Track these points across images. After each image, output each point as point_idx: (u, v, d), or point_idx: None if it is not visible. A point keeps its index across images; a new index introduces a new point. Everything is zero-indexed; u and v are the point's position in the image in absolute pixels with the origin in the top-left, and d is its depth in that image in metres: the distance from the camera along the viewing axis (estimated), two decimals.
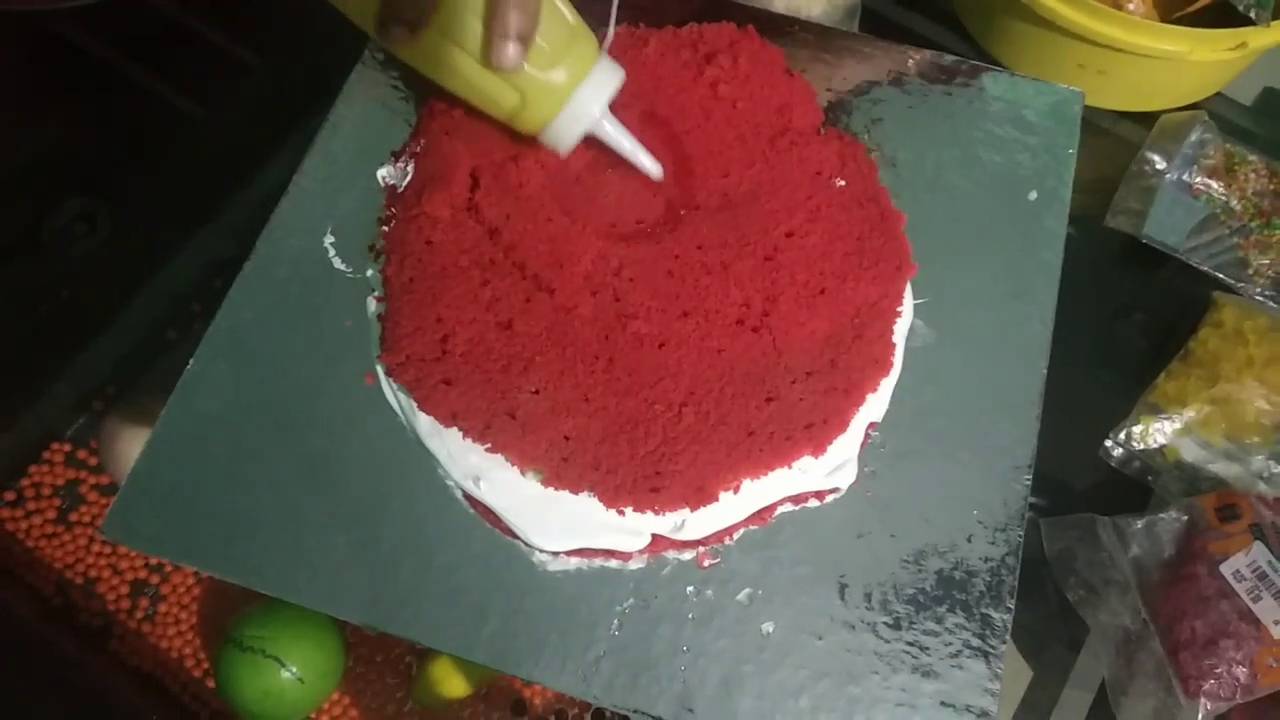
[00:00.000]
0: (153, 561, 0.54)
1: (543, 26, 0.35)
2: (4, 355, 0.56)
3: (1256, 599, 0.44)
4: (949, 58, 0.49)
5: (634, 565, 0.37)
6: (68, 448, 0.55)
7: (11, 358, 0.56)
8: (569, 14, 0.37)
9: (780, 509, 0.38)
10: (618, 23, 0.47)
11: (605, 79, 0.38)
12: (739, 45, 0.45)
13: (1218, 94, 0.65)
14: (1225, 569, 0.45)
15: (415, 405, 0.38)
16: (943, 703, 0.35)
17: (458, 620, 0.36)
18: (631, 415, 0.37)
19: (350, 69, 0.47)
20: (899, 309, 0.40)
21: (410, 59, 0.39)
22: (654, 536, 0.37)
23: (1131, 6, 0.60)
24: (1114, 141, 0.63)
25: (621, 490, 0.36)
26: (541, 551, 0.37)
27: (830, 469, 0.38)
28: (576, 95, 0.37)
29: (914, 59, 0.48)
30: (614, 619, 0.36)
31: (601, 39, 0.40)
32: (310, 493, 0.38)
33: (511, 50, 0.34)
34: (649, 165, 0.40)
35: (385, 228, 0.42)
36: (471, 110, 0.41)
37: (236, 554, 0.37)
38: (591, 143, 0.40)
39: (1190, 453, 0.51)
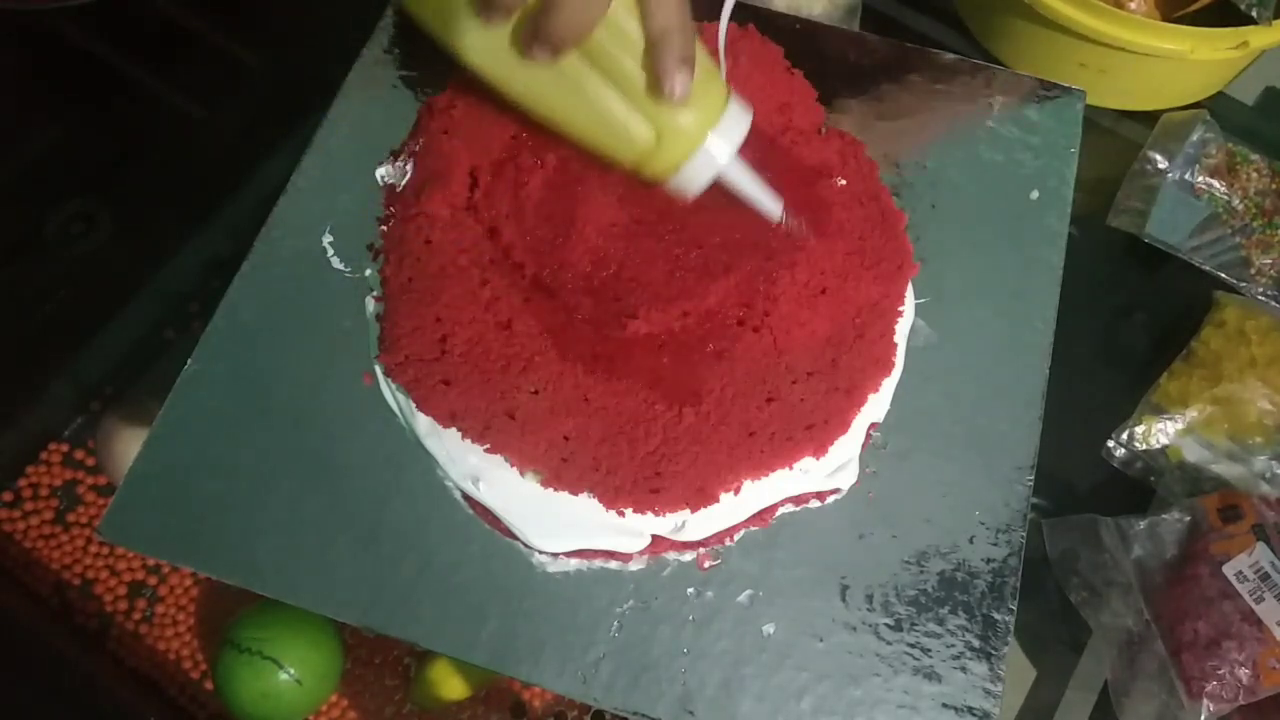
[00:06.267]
0: (150, 562, 0.54)
1: None
2: (2, 355, 0.56)
3: (1259, 600, 0.44)
4: (950, 56, 0.48)
5: (634, 566, 0.37)
6: (65, 448, 0.55)
7: (10, 357, 0.56)
8: (704, 53, 0.35)
9: (781, 510, 0.38)
10: None
11: (737, 121, 0.36)
12: (739, 43, 0.45)
13: (1220, 93, 0.65)
14: (1228, 570, 0.45)
15: (414, 405, 0.38)
16: (944, 704, 0.35)
17: (456, 621, 0.36)
18: (631, 416, 0.37)
19: (349, 68, 0.47)
20: (900, 309, 0.40)
21: (530, 89, 0.36)
22: (654, 537, 0.37)
23: (1133, 5, 0.60)
24: (1116, 141, 0.63)
25: (621, 491, 0.36)
26: (541, 552, 0.37)
27: (831, 469, 0.38)
28: (711, 138, 0.35)
29: (915, 58, 0.48)
30: (614, 620, 0.36)
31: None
32: (308, 494, 0.38)
33: (686, 75, 0.32)
34: (772, 208, 0.37)
35: (384, 227, 0.42)
36: (470, 108, 0.41)
37: (234, 555, 0.37)
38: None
39: (1193, 453, 0.51)
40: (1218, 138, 0.59)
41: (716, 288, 0.39)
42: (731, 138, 0.35)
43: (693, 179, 0.36)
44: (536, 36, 0.32)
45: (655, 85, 0.33)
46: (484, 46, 0.35)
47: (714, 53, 0.37)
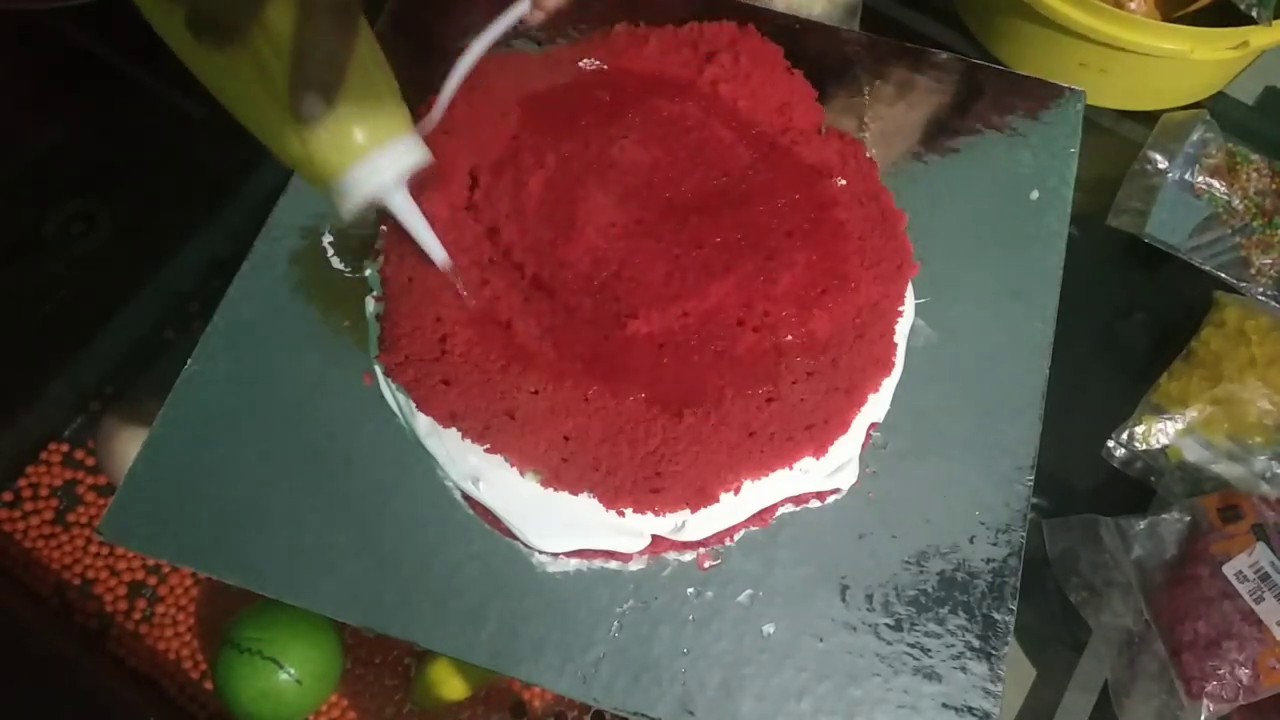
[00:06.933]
0: (150, 562, 0.54)
1: (348, 84, 0.32)
2: (2, 355, 0.56)
3: (1259, 600, 0.44)
4: (950, 56, 0.48)
5: (634, 566, 0.37)
6: (65, 448, 0.55)
7: (10, 357, 0.56)
8: (383, 77, 0.35)
9: (781, 510, 0.38)
10: (618, 20, 0.47)
11: (406, 151, 0.35)
12: (739, 44, 0.45)
13: (1220, 93, 0.65)
14: (1228, 570, 0.45)
15: (414, 405, 0.38)
16: (944, 704, 0.35)
17: (457, 622, 0.36)
18: (631, 416, 0.37)
19: None
20: (900, 309, 0.40)
21: (204, 71, 0.34)
22: (654, 537, 0.37)
23: (1133, 5, 0.60)
24: (1116, 141, 0.63)
25: (621, 491, 0.36)
26: (541, 552, 0.37)
27: (831, 469, 0.38)
28: (369, 158, 0.34)
29: (915, 58, 0.48)
30: (614, 620, 0.36)
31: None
32: (308, 494, 0.38)
33: (315, 98, 0.31)
34: (437, 253, 0.38)
35: (384, 227, 0.42)
36: (471, 108, 0.41)
37: (234, 555, 0.37)
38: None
39: (1193, 453, 0.51)
40: (1218, 138, 0.59)
41: (716, 288, 0.39)
42: (395, 164, 0.35)
43: (347, 194, 0.35)
44: (195, 23, 0.30)
45: (287, 100, 0.32)
46: (169, 19, 0.33)
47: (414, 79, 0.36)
